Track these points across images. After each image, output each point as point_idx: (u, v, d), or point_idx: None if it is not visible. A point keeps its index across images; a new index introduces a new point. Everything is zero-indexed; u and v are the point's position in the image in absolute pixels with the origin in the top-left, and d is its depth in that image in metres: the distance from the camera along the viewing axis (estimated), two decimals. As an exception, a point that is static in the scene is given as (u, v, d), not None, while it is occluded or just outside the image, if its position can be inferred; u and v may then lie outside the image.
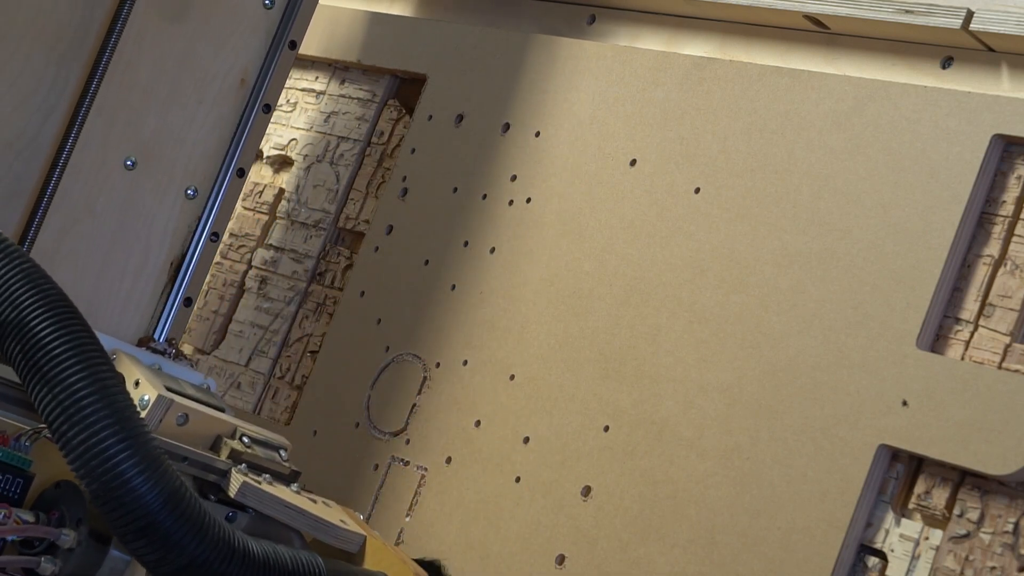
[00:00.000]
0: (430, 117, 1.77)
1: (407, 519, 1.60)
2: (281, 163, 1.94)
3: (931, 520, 1.28)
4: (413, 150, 1.77)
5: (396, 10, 1.89)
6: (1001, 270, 1.31)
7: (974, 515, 1.25)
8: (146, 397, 1.40)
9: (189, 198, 1.63)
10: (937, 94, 1.37)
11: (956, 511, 1.26)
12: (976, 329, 1.30)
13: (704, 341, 1.43)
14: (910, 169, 1.36)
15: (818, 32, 1.49)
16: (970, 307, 1.31)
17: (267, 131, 1.96)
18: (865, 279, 1.35)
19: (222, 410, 1.48)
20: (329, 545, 1.45)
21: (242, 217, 1.94)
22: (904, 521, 1.29)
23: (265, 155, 1.95)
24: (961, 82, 1.38)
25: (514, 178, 1.65)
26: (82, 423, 1.20)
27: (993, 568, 1.23)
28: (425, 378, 1.64)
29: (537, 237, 1.60)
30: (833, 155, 1.41)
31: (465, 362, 1.61)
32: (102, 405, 1.21)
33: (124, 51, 1.54)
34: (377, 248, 1.76)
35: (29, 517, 1.31)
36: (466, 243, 1.67)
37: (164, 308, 1.64)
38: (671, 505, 1.40)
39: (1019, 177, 1.32)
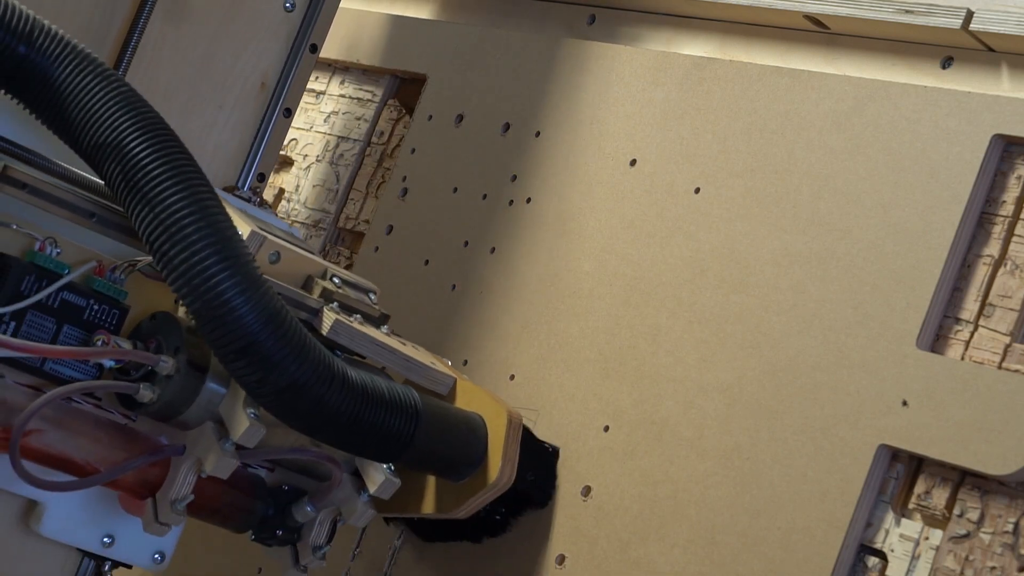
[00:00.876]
0: (430, 117, 1.77)
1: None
2: (281, 163, 1.94)
3: (931, 520, 1.28)
4: (413, 150, 1.77)
5: (396, 10, 1.89)
6: (1001, 270, 1.31)
7: (974, 515, 1.25)
8: (239, 233, 1.37)
9: None
10: (937, 94, 1.37)
11: (956, 511, 1.26)
12: (976, 329, 1.30)
13: (704, 341, 1.43)
14: (910, 169, 1.36)
15: (818, 32, 1.49)
16: (970, 307, 1.31)
17: (267, 131, 1.96)
18: (865, 279, 1.35)
19: (312, 252, 1.46)
20: (420, 386, 1.43)
21: (242, 217, 1.94)
22: (904, 521, 1.29)
23: (265, 155, 1.95)
24: (961, 82, 1.38)
25: (514, 178, 1.65)
26: (183, 242, 1.19)
27: (993, 568, 1.23)
28: (425, 378, 1.64)
29: (537, 237, 1.60)
30: (833, 155, 1.41)
31: (465, 362, 1.61)
32: (204, 225, 1.20)
33: (143, 56, 1.53)
34: (377, 248, 1.76)
35: (127, 345, 1.30)
36: (466, 243, 1.67)
37: None
38: (671, 505, 1.40)
39: (1019, 177, 1.32)
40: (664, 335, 1.46)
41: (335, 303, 1.38)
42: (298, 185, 1.89)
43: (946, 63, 1.40)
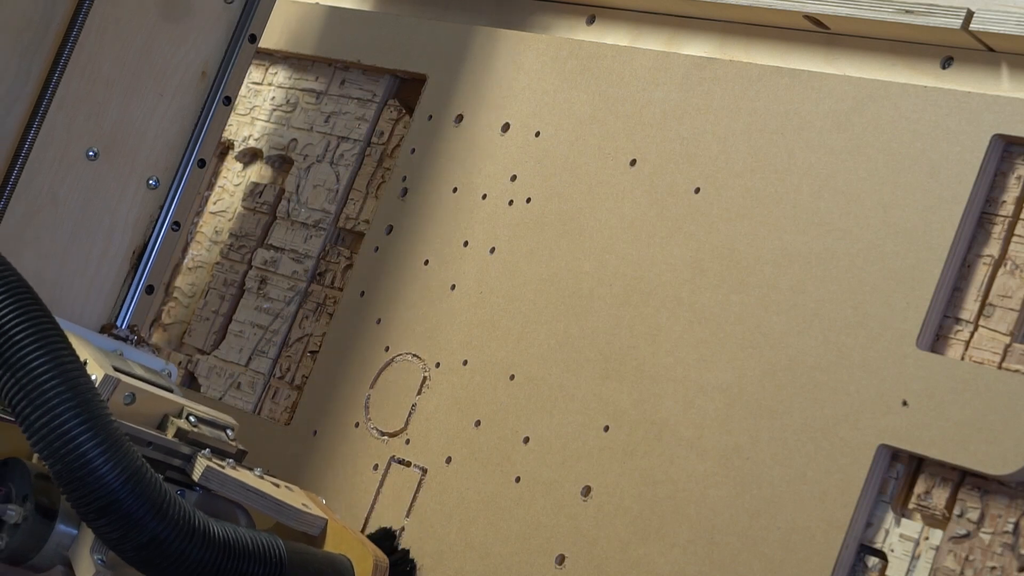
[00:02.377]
0: (430, 117, 1.77)
1: (407, 519, 1.60)
2: (281, 163, 1.94)
3: (931, 520, 1.28)
4: (413, 150, 1.77)
5: (396, 9, 1.89)
6: (1001, 270, 1.31)
7: (974, 515, 1.25)
8: (93, 376, 1.41)
9: (151, 188, 1.66)
10: (937, 94, 1.36)
11: (956, 511, 1.26)
12: (976, 329, 1.30)
13: (704, 341, 1.43)
14: (910, 169, 1.36)
15: (818, 32, 1.49)
16: (970, 307, 1.31)
17: (267, 131, 1.96)
18: (865, 279, 1.35)
19: (171, 391, 1.49)
20: (291, 528, 1.46)
21: (242, 217, 1.94)
22: (904, 521, 1.29)
23: (265, 155, 1.95)
24: (961, 82, 1.38)
25: (514, 178, 1.65)
26: (44, 405, 1.24)
27: (993, 568, 1.23)
28: (425, 378, 1.64)
29: (537, 237, 1.60)
30: (833, 155, 1.41)
31: (465, 362, 1.61)
32: (64, 388, 1.24)
33: (86, 44, 1.57)
34: (377, 248, 1.75)
35: None
36: (466, 243, 1.67)
37: (126, 296, 1.66)
38: (671, 505, 1.40)
39: (1019, 177, 1.32)
40: (664, 335, 1.46)
41: (207, 449, 1.41)
42: (298, 185, 1.89)
43: (946, 63, 1.40)
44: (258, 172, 1.96)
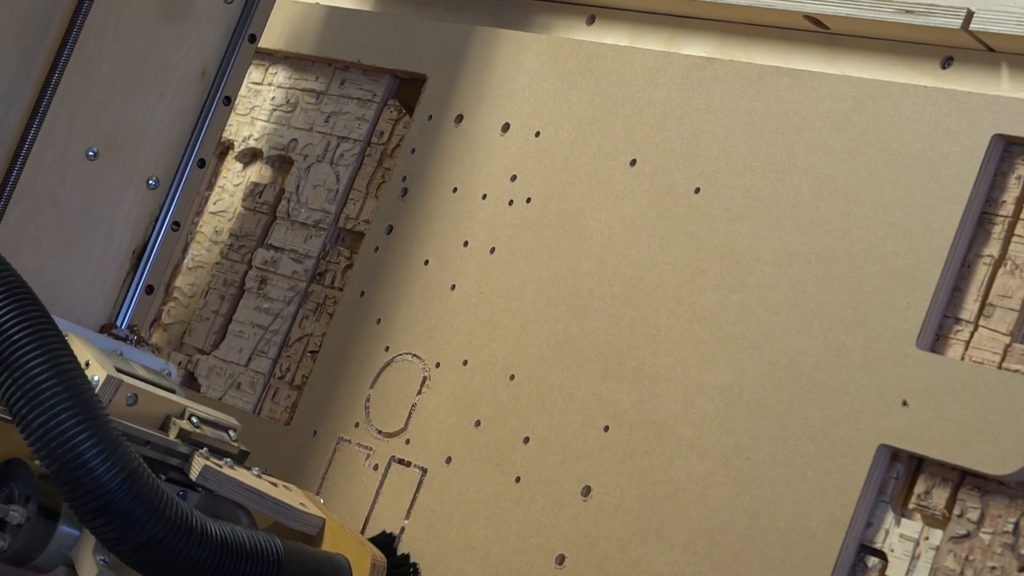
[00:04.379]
0: (430, 117, 1.77)
1: (407, 520, 1.60)
2: (281, 163, 1.94)
3: (931, 520, 1.28)
4: (413, 150, 1.77)
5: (396, 9, 1.89)
6: (1001, 270, 1.31)
7: (974, 515, 1.25)
8: (96, 377, 1.41)
9: (151, 188, 1.66)
10: (937, 94, 1.37)
11: (956, 511, 1.26)
12: (976, 329, 1.30)
13: (704, 341, 1.43)
14: (910, 169, 1.36)
15: (818, 32, 1.49)
16: (970, 307, 1.31)
17: (267, 131, 1.96)
18: (865, 279, 1.35)
19: (173, 391, 1.49)
20: (289, 528, 1.46)
21: (242, 217, 1.94)
22: (904, 521, 1.29)
23: (265, 155, 1.95)
24: (961, 82, 1.38)
25: (514, 178, 1.65)
26: (41, 406, 1.24)
27: (993, 568, 1.23)
28: (425, 378, 1.64)
29: (537, 237, 1.60)
30: (833, 155, 1.41)
31: (465, 362, 1.61)
32: (61, 388, 1.24)
33: (86, 44, 1.57)
34: (377, 248, 1.75)
35: None
36: (466, 243, 1.67)
37: (126, 296, 1.67)
38: (671, 505, 1.40)
39: (1019, 177, 1.32)
40: (664, 335, 1.46)
41: (205, 448, 1.41)
42: (298, 185, 1.89)
43: (946, 63, 1.40)
44: (258, 172, 1.96)
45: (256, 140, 1.97)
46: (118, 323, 1.65)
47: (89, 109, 1.60)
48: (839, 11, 1.45)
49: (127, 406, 1.42)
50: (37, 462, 1.35)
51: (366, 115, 1.86)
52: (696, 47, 1.58)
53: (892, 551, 1.29)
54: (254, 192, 1.94)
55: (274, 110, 1.96)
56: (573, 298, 1.55)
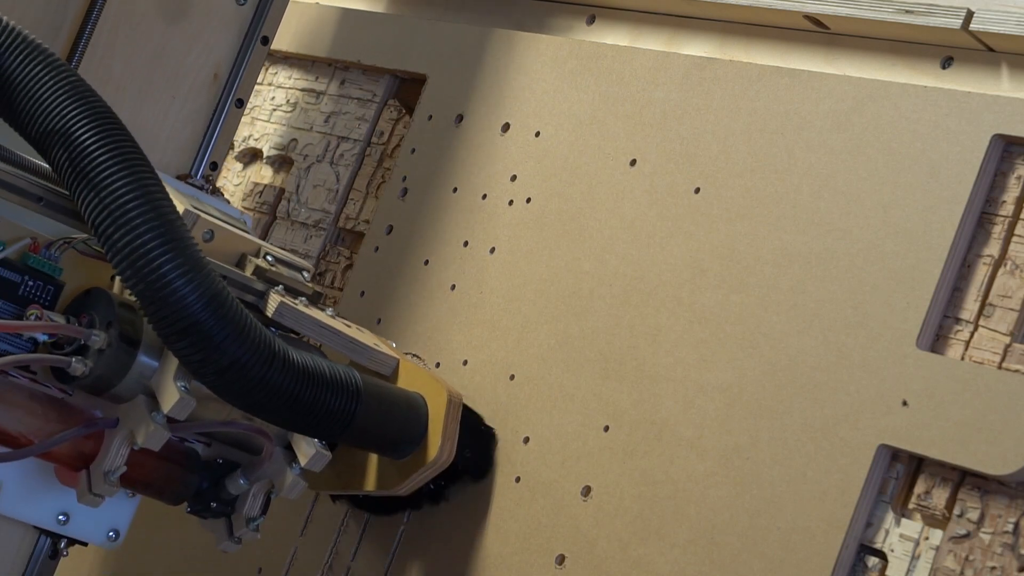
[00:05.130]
0: (430, 117, 1.77)
1: (407, 520, 1.59)
2: (281, 163, 1.94)
3: (931, 520, 1.28)
4: (413, 150, 1.77)
5: (396, 9, 1.89)
6: (1001, 270, 1.31)
7: (974, 515, 1.25)
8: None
9: None
10: (937, 94, 1.37)
11: (956, 511, 1.26)
12: (976, 329, 1.30)
13: (704, 341, 1.43)
14: (910, 169, 1.36)
15: (818, 32, 1.49)
16: (970, 307, 1.31)
17: (267, 131, 1.96)
18: (865, 279, 1.35)
19: (247, 232, 1.48)
20: (364, 367, 1.46)
21: (242, 217, 1.94)
22: (904, 521, 1.29)
23: (265, 155, 1.95)
24: (961, 82, 1.38)
25: (514, 178, 1.65)
26: (127, 226, 1.23)
27: (993, 568, 1.23)
28: (425, 378, 1.64)
29: (537, 237, 1.60)
30: (833, 155, 1.41)
31: (465, 362, 1.61)
32: (147, 209, 1.24)
33: (97, 47, 1.56)
34: (377, 248, 1.76)
35: (60, 319, 1.33)
36: (466, 243, 1.67)
37: None
38: (671, 505, 1.40)
39: (1019, 177, 1.32)
40: (664, 335, 1.46)
41: (280, 286, 1.41)
42: (298, 185, 1.89)
43: (946, 63, 1.40)
44: (258, 172, 1.96)
45: (256, 140, 1.97)
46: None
47: (103, 107, 1.60)
48: (839, 11, 1.45)
49: (204, 241, 1.41)
50: (116, 290, 1.35)
51: (366, 115, 1.86)
52: (696, 47, 1.58)
53: (892, 551, 1.29)
54: (254, 192, 1.94)
55: (274, 110, 1.96)
56: (573, 298, 1.55)
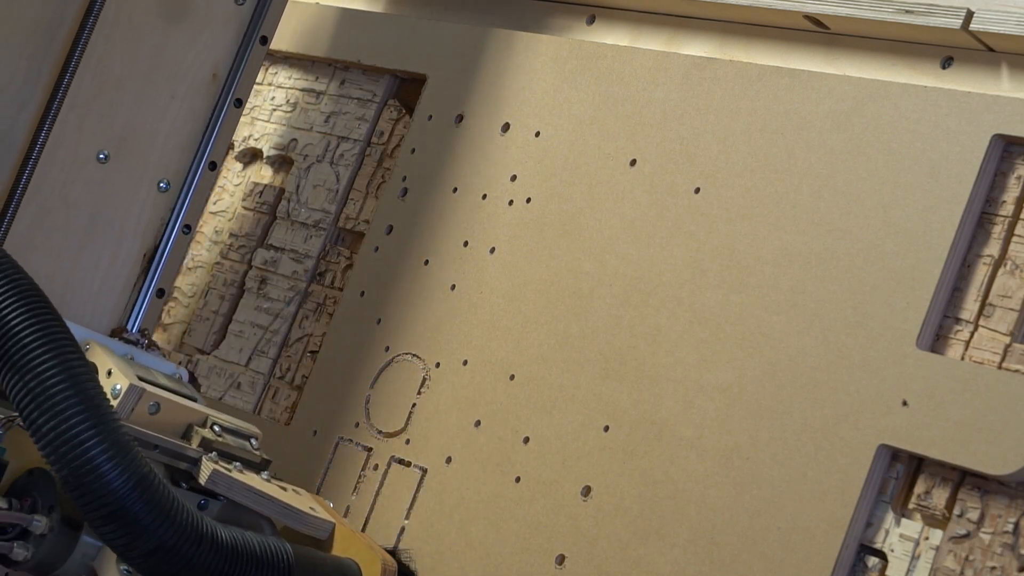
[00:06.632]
0: (430, 117, 1.77)
1: (407, 519, 1.59)
2: (281, 163, 1.94)
3: (931, 520, 1.28)
4: (413, 150, 1.77)
5: (396, 9, 1.89)
6: (1001, 270, 1.31)
7: (974, 515, 1.25)
8: (118, 386, 1.41)
9: (161, 191, 1.65)
10: (937, 94, 1.37)
11: (956, 511, 1.26)
12: (976, 329, 1.30)
13: (704, 341, 1.43)
14: (910, 169, 1.36)
15: (818, 32, 1.49)
16: (970, 307, 1.31)
17: (267, 131, 1.96)
18: (865, 279, 1.35)
19: (194, 399, 1.49)
20: (299, 532, 1.46)
21: (242, 217, 1.94)
22: (904, 521, 1.29)
23: (265, 155, 1.95)
24: (961, 82, 1.38)
25: (514, 178, 1.65)
26: (52, 410, 1.23)
27: (993, 568, 1.23)
28: (425, 378, 1.64)
29: (537, 237, 1.60)
30: (833, 155, 1.41)
31: (465, 362, 1.61)
32: (72, 392, 1.23)
33: (96, 46, 1.56)
34: (377, 248, 1.76)
35: (2, 503, 1.33)
36: (466, 243, 1.67)
37: (137, 299, 1.66)
38: (671, 505, 1.40)
39: (1019, 177, 1.32)
40: (664, 335, 1.46)
41: (214, 452, 1.41)
42: (298, 185, 1.89)
43: (946, 63, 1.40)
44: (258, 172, 1.96)
45: (256, 140, 1.97)
46: (129, 326, 1.64)
47: (100, 112, 1.59)
48: (839, 11, 1.45)
49: (149, 415, 1.41)
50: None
51: (366, 115, 1.86)
52: (696, 47, 1.58)
53: (892, 551, 1.29)
54: (254, 192, 1.94)
55: (274, 110, 1.96)
56: (573, 298, 1.55)
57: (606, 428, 1.47)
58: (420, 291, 1.69)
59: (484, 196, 1.67)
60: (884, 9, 1.42)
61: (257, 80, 1.98)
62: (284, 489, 1.49)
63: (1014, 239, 1.31)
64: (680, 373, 1.44)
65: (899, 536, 1.29)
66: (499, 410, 1.56)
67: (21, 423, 1.31)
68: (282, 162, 1.94)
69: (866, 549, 1.30)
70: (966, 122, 1.34)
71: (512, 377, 1.57)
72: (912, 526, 1.28)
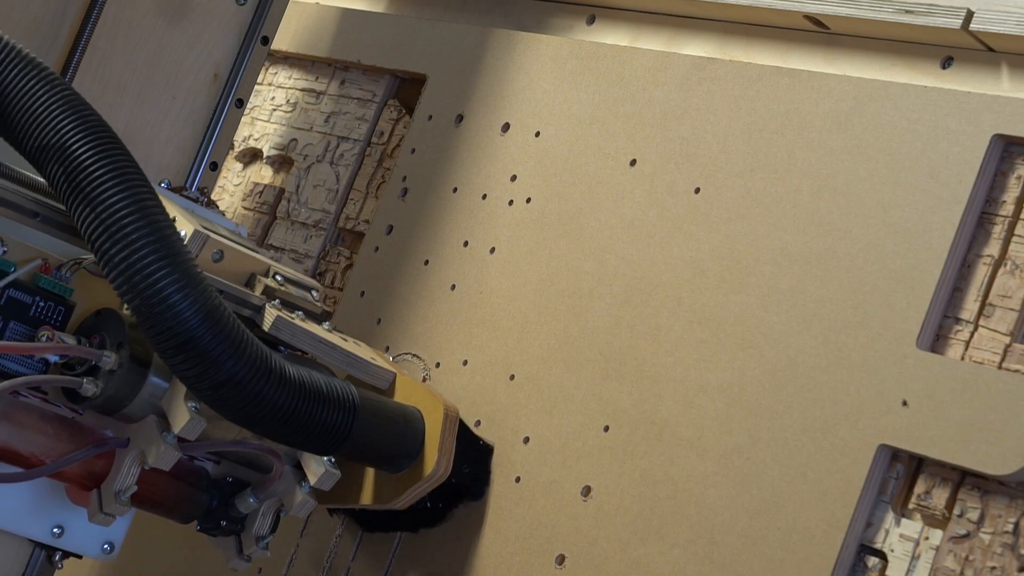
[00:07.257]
0: (430, 117, 1.77)
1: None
2: (281, 163, 1.94)
3: (931, 520, 1.28)
4: (413, 150, 1.77)
5: (396, 9, 1.89)
6: (1001, 270, 1.31)
7: (974, 515, 1.25)
8: (183, 232, 1.40)
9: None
10: (937, 94, 1.36)
11: (956, 511, 1.26)
12: (976, 329, 1.30)
13: (704, 341, 1.43)
14: (910, 169, 1.36)
15: (818, 32, 1.49)
16: (970, 307, 1.31)
17: (267, 131, 1.96)
18: (865, 279, 1.35)
19: (255, 250, 1.48)
20: (361, 381, 1.46)
21: (242, 217, 1.94)
22: (904, 521, 1.29)
23: (265, 155, 1.95)
24: (961, 82, 1.38)
25: (514, 178, 1.65)
26: (123, 240, 1.22)
27: (993, 568, 1.23)
28: (425, 378, 1.64)
29: (537, 237, 1.60)
30: (833, 155, 1.41)
31: (465, 362, 1.61)
32: (143, 224, 1.23)
33: (97, 47, 1.56)
34: (377, 248, 1.76)
35: (71, 340, 1.33)
36: (466, 243, 1.67)
37: None
38: (671, 505, 1.40)
39: (1019, 177, 1.32)
40: (664, 335, 1.46)
41: (277, 300, 1.41)
42: (298, 185, 1.89)
43: (946, 63, 1.40)
44: (258, 172, 1.96)
45: (256, 140, 1.97)
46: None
47: (101, 112, 1.59)
48: (839, 11, 1.45)
49: (213, 262, 1.40)
50: (128, 312, 1.35)
51: (366, 115, 1.86)
52: (696, 47, 1.58)
53: (892, 551, 1.29)
54: (254, 192, 1.94)
55: (274, 110, 1.96)
56: (573, 298, 1.55)
57: (606, 428, 1.47)
58: (420, 291, 1.69)
59: (484, 196, 1.67)
60: (884, 9, 1.42)
61: (257, 80, 1.98)
62: (345, 340, 1.49)
63: (1014, 239, 1.31)
64: (680, 373, 1.44)
65: (899, 536, 1.29)
66: (499, 410, 1.56)
67: (91, 264, 1.32)
68: (282, 162, 1.94)
69: (866, 549, 1.30)
70: (966, 122, 1.34)
71: (512, 377, 1.57)
72: (912, 526, 1.28)
